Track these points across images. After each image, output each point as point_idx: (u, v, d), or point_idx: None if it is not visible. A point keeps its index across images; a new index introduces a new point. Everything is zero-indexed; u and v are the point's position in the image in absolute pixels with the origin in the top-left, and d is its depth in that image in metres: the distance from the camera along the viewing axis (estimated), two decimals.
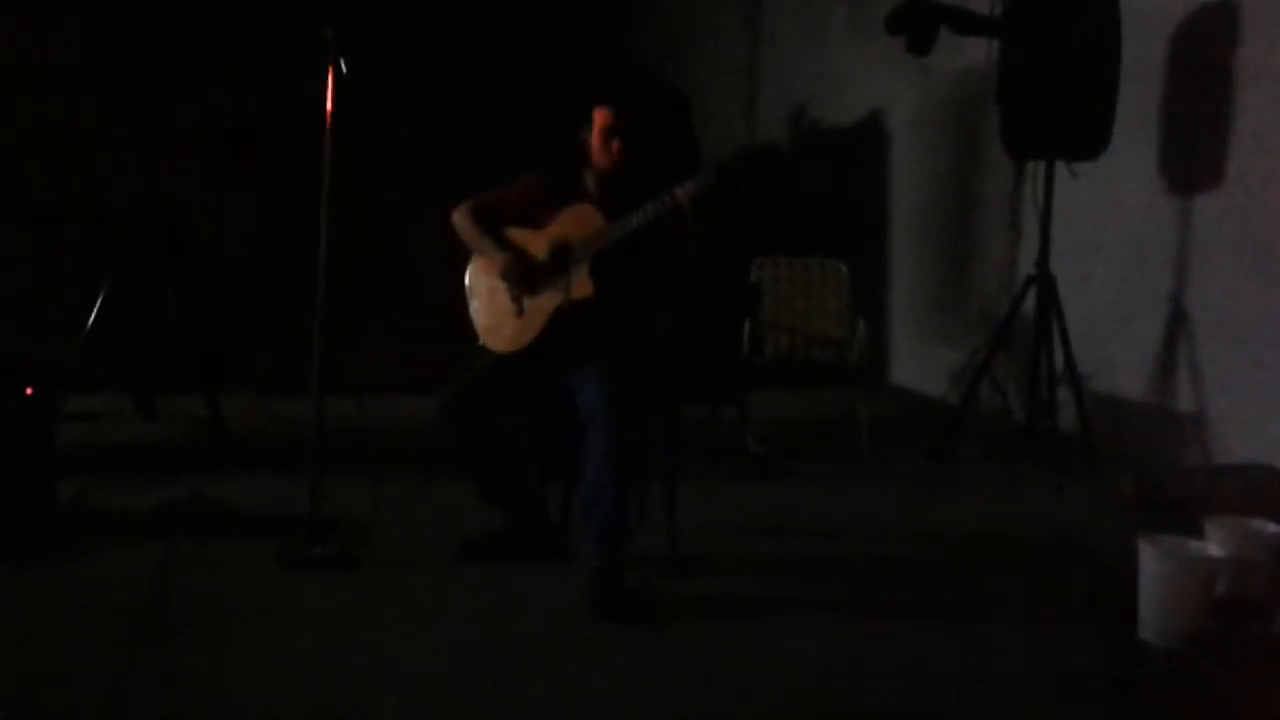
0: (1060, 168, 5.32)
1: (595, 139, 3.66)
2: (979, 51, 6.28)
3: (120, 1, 4.97)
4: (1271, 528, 3.49)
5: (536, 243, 3.69)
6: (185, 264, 5.44)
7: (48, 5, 5.46)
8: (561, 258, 3.61)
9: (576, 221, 3.62)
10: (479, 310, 3.78)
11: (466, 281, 3.83)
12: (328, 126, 3.65)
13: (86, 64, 4.97)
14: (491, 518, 3.75)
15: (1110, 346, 5.62)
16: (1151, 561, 3.22)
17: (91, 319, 5.03)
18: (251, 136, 6.29)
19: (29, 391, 3.75)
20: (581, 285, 3.54)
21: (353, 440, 4.95)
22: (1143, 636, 3.22)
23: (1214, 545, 3.36)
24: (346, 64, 3.63)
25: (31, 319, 5.76)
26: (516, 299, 3.66)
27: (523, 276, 3.64)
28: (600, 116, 3.65)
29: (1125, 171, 5.45)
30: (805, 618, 3.35)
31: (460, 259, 3.88)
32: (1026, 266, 5.59)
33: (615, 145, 3.64)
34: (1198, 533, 3.48)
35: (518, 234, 3.74)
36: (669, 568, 3.68)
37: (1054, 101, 5.13)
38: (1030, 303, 5.38)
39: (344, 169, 3.67)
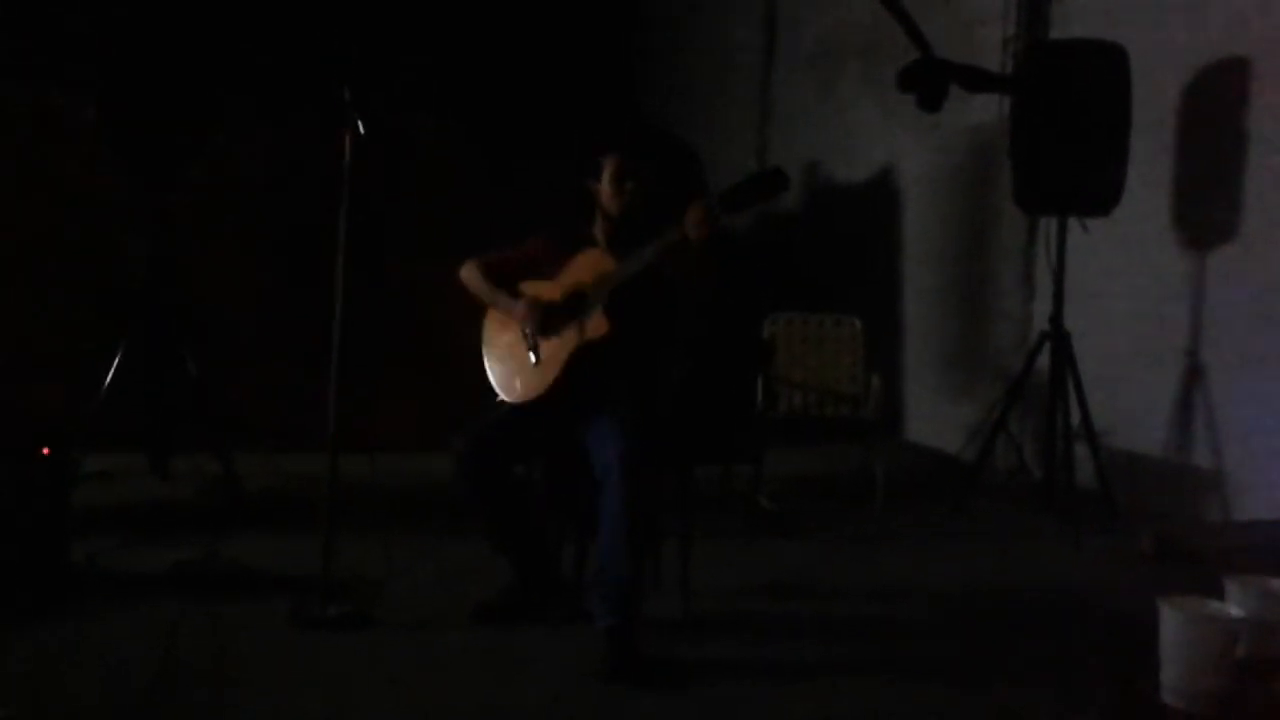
0: (1073, 223, 5.33)
1: (607, 185, 3.69)
2: (990, 108, 6.33)
3: (134, 64, 5.04)
4: None
5: (550, 292, 3.70)
6: (200, 324, 5.47)
7: (66, 66, 5.54)
8: (577, 301, 3.61)
9: (588, 266, 3.64)
10: (496, 366, 3.79)
11: (484, 337, 3.84)
12: (345, 186, 3.68)
13: (101, 126, 5.03)
14: (502, 576, 3.73)
15: (1126, 401, 5.60)
16: (1172, 623, 3.18)
17: (108, 379, 5.05)
18: (266, 196, 6.35)
19: (45, 452, 3.76)
20: (597, 324, 3.53)
21: (366, 498, 4.96)
22: (1164, 699, 3.17)
23: (1235, 605, 3.32)
24: (364, 125, 3.67)
25: (48, 379, 5.80)
26: (533, 348, 3.66)
27: (541, 322, 3.64)
28: (611, 162, 3.69)
29: (1139, 225, 5.46)
30: (820, 679, 3.31)
31: (473, 317, 3.89)
32: (1041, 322, 5.58)
33: (628, 187, 3.67)
34: (1217, 589, 3.44)
35: (531, 285, 3.75)
36: (682, 629, 3.65)
37: (1066, 157, 5.15)
38: (1045, 358, 5.37)
39: (358, 229, 3.70)
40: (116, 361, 5.07)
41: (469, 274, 3.82)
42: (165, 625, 3.47)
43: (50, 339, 6.02)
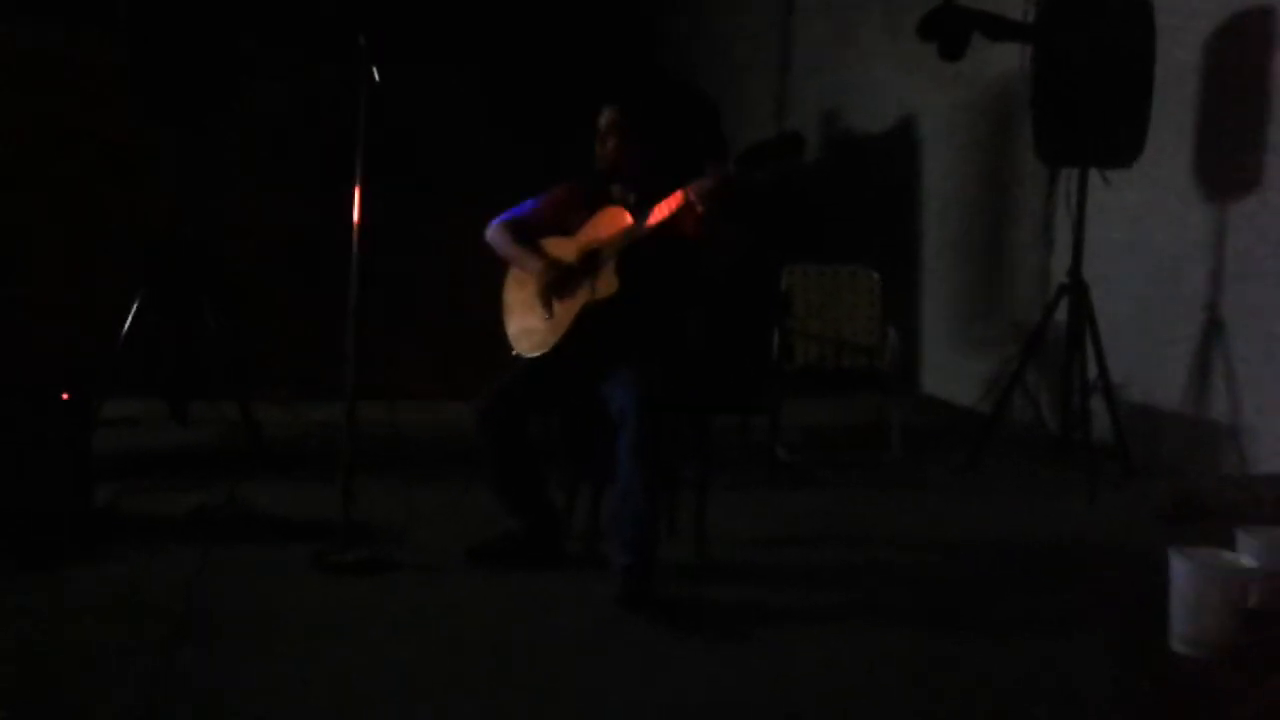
0: (1094, 174, 5.30)
1: (599, 138, 3.73)
2: (1012, 57, 6.25)
3: (162, 12, 5.03)
4: None
5: (569, 249, 3.74)
6: (220, 270, 5.50)
7: (90, 13, 5.52)
8: (591, 260, 3.64)
9: (606, 224, 3.66)
10: (513, 321, 3.84)
11: (504, 295, 3.88)
12: (361, 135, 3.68)
13: (129, 70, 5.02)
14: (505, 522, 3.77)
15: (1144, 355, 5.58)
16: (1183, 573, 3.20)
17: (127, 325, 5.09)
18: (284, 144, 6.36)
19: (65, 397, 3.80)
20: (607, 282, 3.56)
21: (385, 445, 5.00)
22: (1174, 648, 3.19)
23: (1245, 556, 3.33)
24: (379, 73, 3.66)
25: (67, 324, 5.84)
26: (548, 304, 3.70)
27: (558, 282, 3.68)
28: (603, 116, 3.73)
29: (1159, 178, 5.42)
30: (833, 626, 3.34)
31: (492, 266, 3.92)
32: (1059, 274, 5.56)
33: (611, 144, 3.70)
34: (1232, 543, 3.45)
35: (552, 243, 3.80)
36: (698, 575, 3.68)
37: (1087, 108, 5.10)
38: (1063, 311, 5.35)
39: (376, 177, 3.71)
40: (135, 307, 5.10)
41: (495, 235, 3.87)
42: (187, 570, 3.52)
43: (71, 284, 6.06)
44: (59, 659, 2.92)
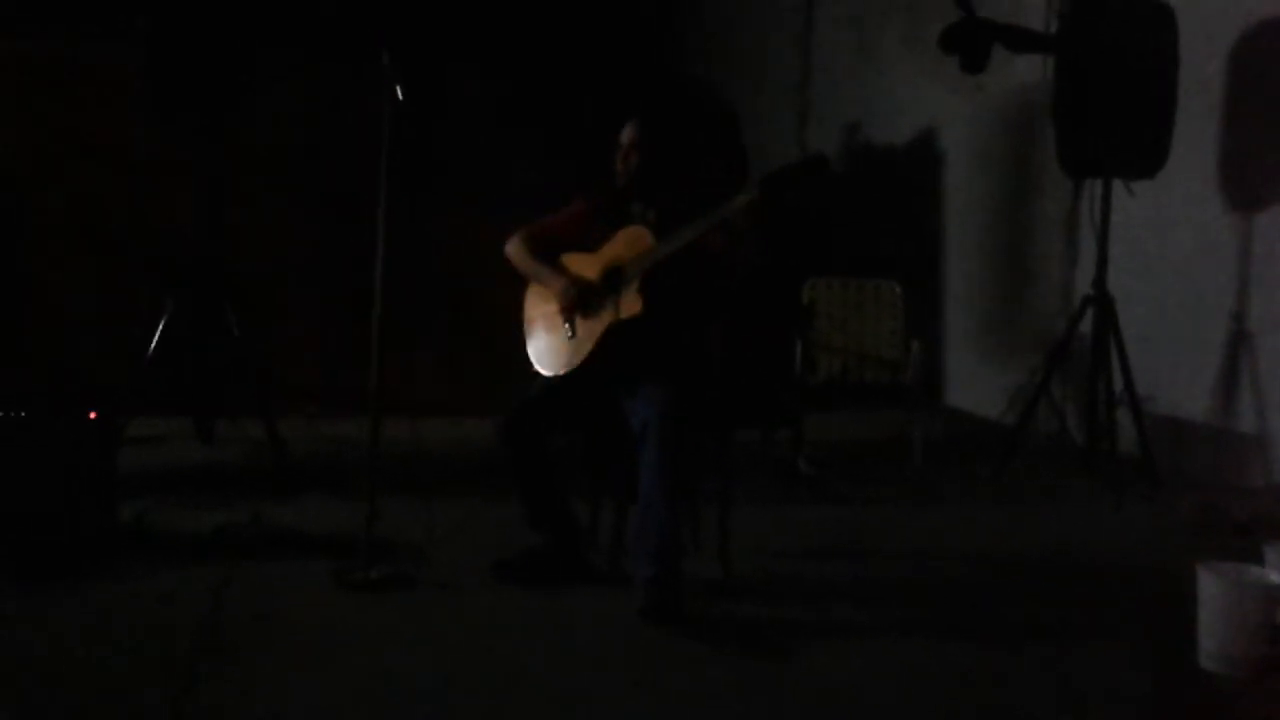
0: (1118, 185, 5.27)
1: (620, 154, 3.75)
2: (1034, 69, 6.24)
3: (182, 21, 5.06)
4: None
5: (591, 266, 3.73)
6: (244, 288, 5.52)
7: (113, 23, 5.56)
8: (614, 279, 3.64)
9: (628, 243, 3.66)
10: (535, 338, 3.84)
11: (525, 311, 3.87)
12: (384, 151, 3.70)
13: (148, 82, 5.06)
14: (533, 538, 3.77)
15: (1170, 367, 5.54)
16: (1211, 588, 3.17)
17: (154, 343, 5.12)
18: (308, 160, 6.38)
19: (93, 415, 3.82)
20: (630, 304, 3.56)
21: (408, 462, 5.01)
22: (1202, 664, 3.16)
23: (1274, 571, 3.30)
24: (402, 89, 3.68)
25: (95, 342, 5.88)
26: (570, 323, 3.69)
27: (579, 301, 3.68)
28: (625, 130, 3.75)
29: (1184, 188, 5.39)
30: (859, 642, 3.32)
31: (514, 282, 3.92)
32: (1084, 286, 5.53)
33: (633, 161, 3.73)
34: (1259, 555, 3.42)
35: (572, 259, 3.79)
36: (721, 589, 3.67)
37: (1110, 119, 5.08)
38: (1088, 323, 5.32)
39: (399, 192, 3.73)
40: (162, 325, 5.13)
41: (514, 250, 3.86)
42: (210, 586, 3.53)
43: (96, 302, 6.10)
44: (81, 676, 2.93)
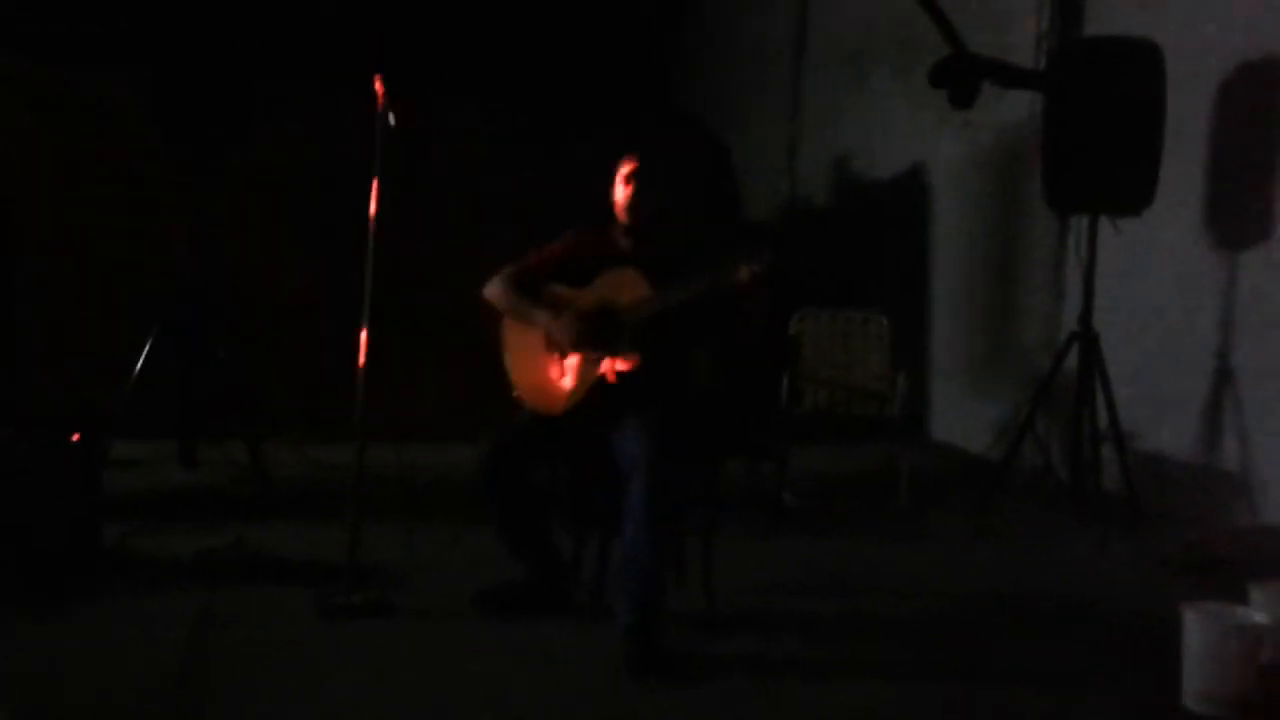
0: (1104, 222, 5.30)
1: (618, 188, 3.71)
2: (1022, 105, 6.28)
3: (183, 52, 5.08)
4: None
5: (581, 301, 3.69)
6: (230, 312, 5.52)
7: (115, 52, 5.58)
8: (607, 319, 3.60)
9: (620, 285, 3.62)
10: (515, 366, 3.79)
11: (505, 339, 3.84)
12: (378, 176, 3.70)
13: (151, 112, 5.06)
14: (516, 567, 3.75)
15: (1155, 404, 5.56)
16: (1195, 628, 3.17)
17: (139, 366, 5.10)
18: (297, 185, 6.39)
19: (75, 437, 3.80)
20: (626, 358, 3.53)
21: (392, 487, 4.99)
22: (1187, 704, 3.15)
23: (1259, 611, 3.30)
24: (395, 116, 3.68)
25: (79, 365, 5.86)
26: (560, 360, 3.66)
27: (577, 337, 3.62)
28: (622, 165, 3.71)
29: (1170, 226, 5.42)
30: (842, 678, 3.31)
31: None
32: (1069, 322, 5.55)
33: (629, 191, 3.68)
34: (1243, 595, 3.42)
35: (562, 292, 3.74)
36: (705, 624, 3.65)
37: (1097, 156, 5.11)
38: (1073, 358, 5.34)
39: (390, 219, 3.72)
40: (147, 348, 5.12)
41: (495, 292, 3.78)
42: (192, 611, 3.51)
43: (83, 325, 6.08)
44: (62, 699, 2.91)
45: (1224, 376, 5.24)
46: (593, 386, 3.59)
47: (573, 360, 3.64)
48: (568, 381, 3.65)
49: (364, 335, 3.74)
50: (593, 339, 3.61)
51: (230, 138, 5.17)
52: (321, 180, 6.22)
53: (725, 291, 3.43)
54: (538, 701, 3.04)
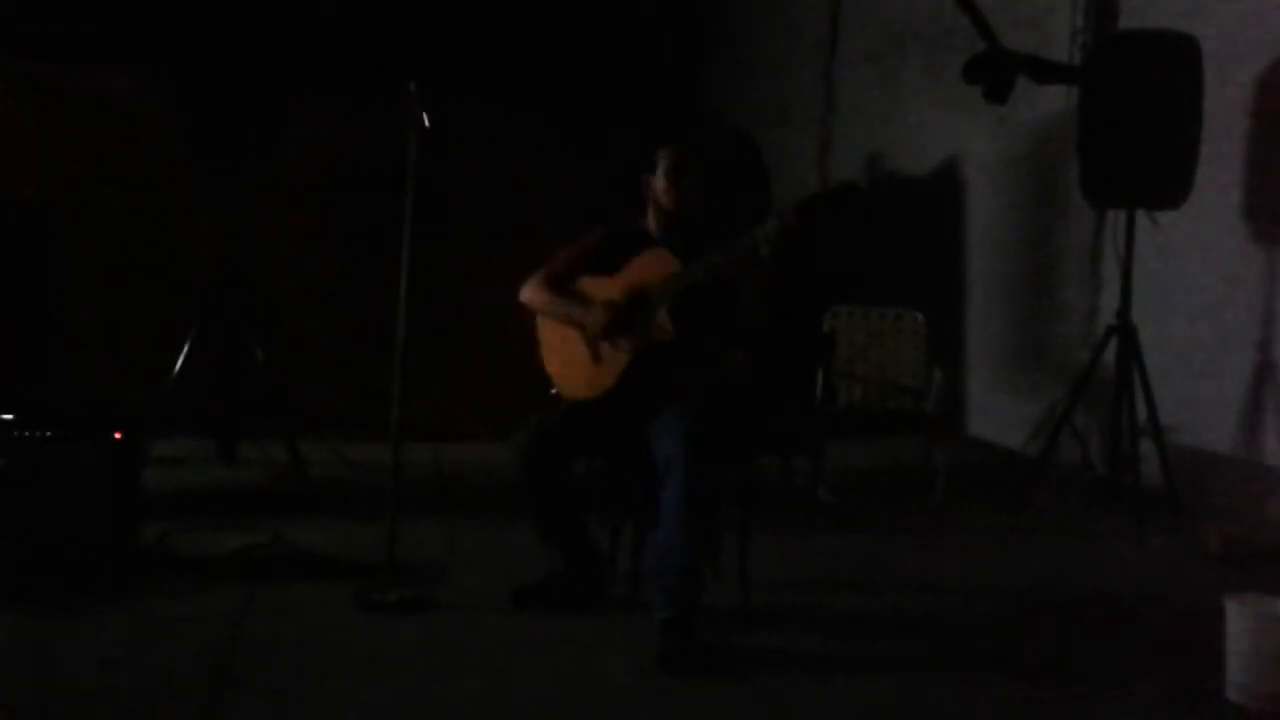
0: (1141, 216, 5.26)
1: (662, 178, 3.67)
2: (1058, 99, 6.25)
3: (211, 55, 5.13)
4: None
5: (612, 290, 3.69)
6: (268, 312, 5.56)
7: (142, 56, 5.64)
8: (638, 302, 3.60)
9: (650, 266, 3.62)
10: (552, 358, 3.80)
11: (540, 337, 3.85)
12: (411, 179, 3.72)
13: (177, 116, 5.12)
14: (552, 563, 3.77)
15: (1195, 397, 5.51)
16: (1239, 621, 3.14)
17: (178, 366, 5.15)
18: (333, 186, 6.44)
19: (117, 436, 3.85)
20: (661, 328, 3.53)
21: (428, 485, 5.02)
22: (1230, 697, 3.13)
23: None
24: (428, 117, 3.70)
25: (120, 365, 5.92)
26: (594, 347, 3.67)
27: (608, 325, 3.62)
28: (668, 155, 3.68)
29: (1208, 219, 5.37)
30: (878, 673, 3.30)
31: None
32: (1107, 316, 5.51)
33: (685, 182, 3.66)
34: None
35: (592, 283, 3.74)
36: (740, 619, 3.65)
37: (1135, 149, 5.07)
38: (1111, 352, 5.30)
39: (423, 221, 3.74)
40: (186, 348, 5.18)
41: (532, 295, 3.78)
42: (231, 608, 3.54)
43: (123, 326, 6.14)
44: (103, 698, 2.94)
45: (1264, 369, 5.18)
46: (629, 366, 3.57)
47: (608, 344, 3.63)
48: (604, 364, 3.63)
49: (400, 336, 3.76)
50: (626, 320, 3.60)
51: (263, 141, 5.21)
52: (355, 183, 6.27)
53: (753, 259, 3.38)
54: (573, 696, 3.05)
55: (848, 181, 3.36)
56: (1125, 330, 5.26)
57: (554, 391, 3.79)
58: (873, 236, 8.25)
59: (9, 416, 3.80)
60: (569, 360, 3.75)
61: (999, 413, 7.12)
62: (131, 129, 6.16)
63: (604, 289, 3.70)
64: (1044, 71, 5.73)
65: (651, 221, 3.75)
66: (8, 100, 6.13)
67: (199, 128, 5.14)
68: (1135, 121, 5.06)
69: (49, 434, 3.78)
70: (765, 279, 3.47)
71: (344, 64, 6.68)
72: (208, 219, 5.49)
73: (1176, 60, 5.05)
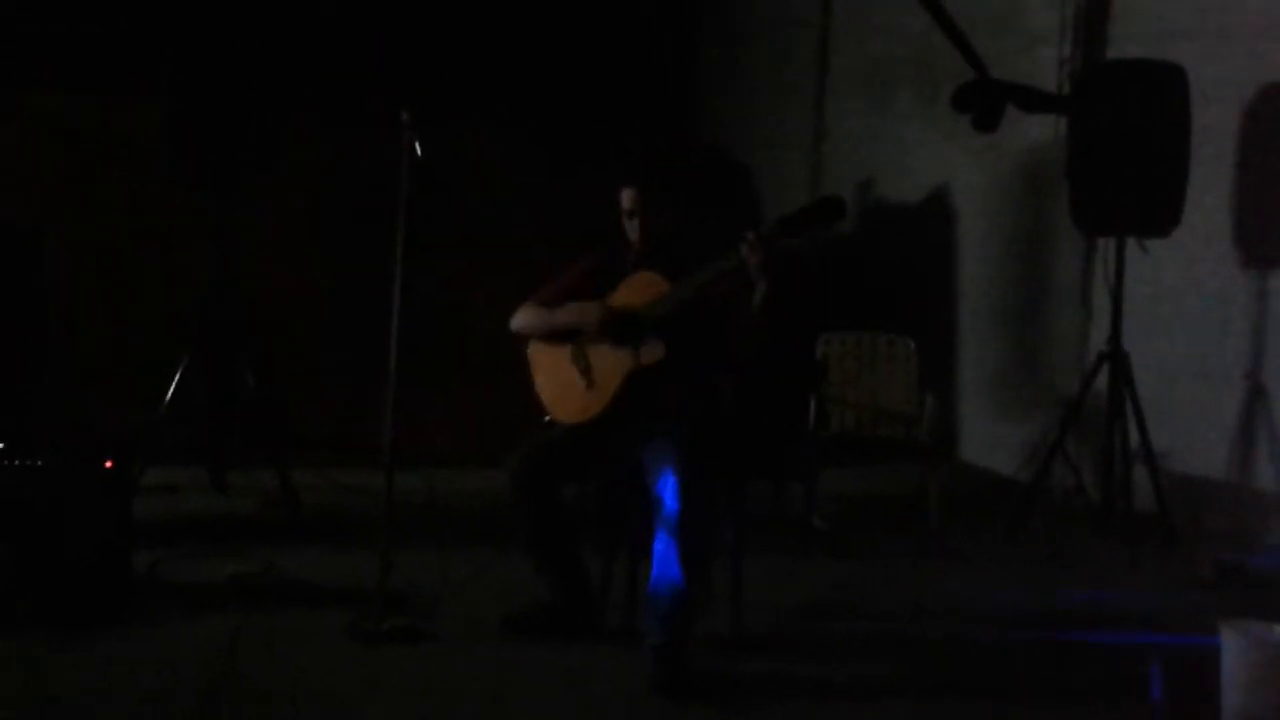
0: (1131, 243, 5.28)
1: (625, 219, 3.73)
2: (1047, 128, 6.28)
3: (204, 81, 5.14)
4: None
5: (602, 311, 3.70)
6: (259, 339, 5.55)
7: (132, 80, 5.65)
8: (629, 324, 3.60)
9: (639, 288, 3.64)
10: (544, 383, 3.80)
11: (529, 355, 3.85)
12: (403, 207, 3.73)
13: (170, 141, 5.13)
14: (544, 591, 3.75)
15: (1187, 424, 5.52)
16: (1234, 649, 3.14)
17: (169, 393, 5.14)
18: (323, 213, 6.44)
19: (108, 464, 3.83)
20: (651, 350, 3.54)
21: (421, 513, 5.00)
22: None
23: None
24: (421, 146, 3.71)
25: (111, 392, 5.90)
26: (584, 371, 3.67)
27: (605, 321, 3.61)
28: (624, 197, 3.72)
29: (1198, 246, 5.40)
30: (872, 699, 3.29)
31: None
32: (1098, 343, 5.52)
33: (636, 224, 3.70)
34: (1278, 614, 3.38)
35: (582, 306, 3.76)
36: (732, 646, 3.64)
37: (1124, 177, 5.10)
38: (1103, 379, 5.31)
39: (414, 246, 3.75)
40: (178, 376, 5.16)
41: (524, 318, 3.80)
42: (223, 637, 3.52)
43: (113, 353, 6.13)
44: None
45: (1256, 395, 5.20)
46: (622, 388, 3.57)
47: (598, 367, 3.63)
48: (597, 387, 3.63)
49: (392, 362, 3.76)
50: (618, 330, 3.60)
51: (257, 167, 5.21)
52: (347, 210, 6.27)
53: (740, 274, 3.40)
54: None
55: (832, 195, 3.39)
56: (1117, 356, 5.27)
57: (547, 419, 3.78)
58: (864, 263, 8.28)
59: None
60: (561, 384, 3.74)
61: (992, 439, 7.13)
62: (125, 154, 6.15)
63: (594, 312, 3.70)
64: (1033, 100, 5.77)
65: (635, 252, 3.77)
66: (2, 126, 6.14)
67: (192, 154, 5.14)
68: (1124, 149, 5.10)
69: (39, 462, 3.77)
70: (757, 303, 3.48)
71: (338, 88, 6.70)
72: (201, 245, 5.48)
73: (1164, 89, 5.09)
